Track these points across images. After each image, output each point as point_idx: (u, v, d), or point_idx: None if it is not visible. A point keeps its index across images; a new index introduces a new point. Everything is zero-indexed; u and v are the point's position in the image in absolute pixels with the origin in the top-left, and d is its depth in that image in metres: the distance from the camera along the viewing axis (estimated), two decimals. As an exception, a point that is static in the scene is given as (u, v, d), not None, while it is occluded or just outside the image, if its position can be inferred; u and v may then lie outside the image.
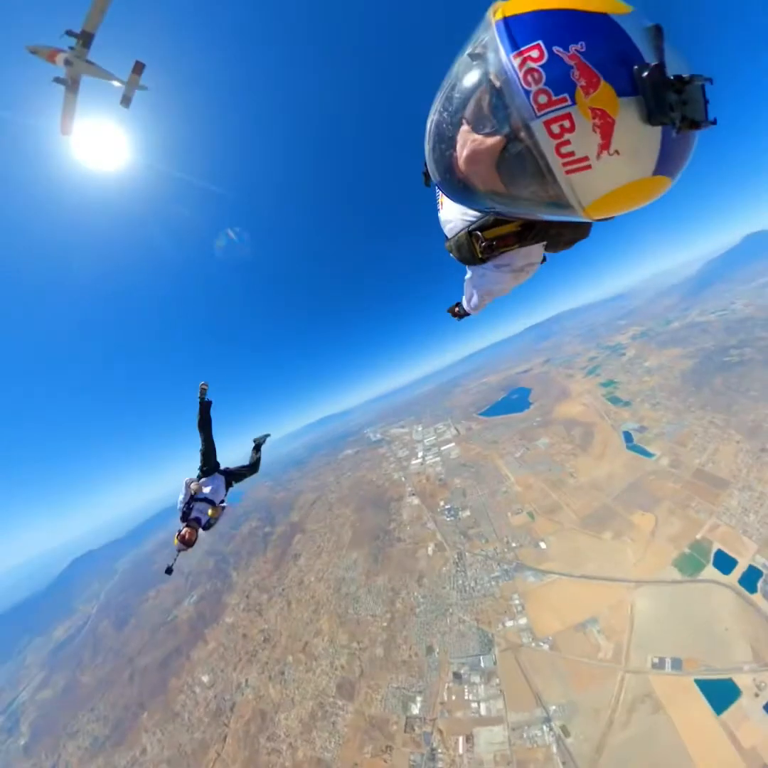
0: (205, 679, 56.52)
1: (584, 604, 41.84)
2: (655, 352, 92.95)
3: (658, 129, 1.01)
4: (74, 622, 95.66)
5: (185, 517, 5.98)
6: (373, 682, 45.40)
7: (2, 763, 55.60)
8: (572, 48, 0.98)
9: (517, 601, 47.29)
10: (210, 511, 6.11)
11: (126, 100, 18.75)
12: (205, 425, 6.79)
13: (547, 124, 1.02)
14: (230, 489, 7.03)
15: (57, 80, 16.59)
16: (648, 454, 60.46)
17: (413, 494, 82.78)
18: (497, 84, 1.08)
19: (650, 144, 1.03)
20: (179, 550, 5.68)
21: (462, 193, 1.43)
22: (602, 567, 44.89)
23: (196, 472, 6.72)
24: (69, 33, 15.40)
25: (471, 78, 1.17)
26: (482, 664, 42.43)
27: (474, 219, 1.96)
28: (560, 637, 40.34)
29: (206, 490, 6.41)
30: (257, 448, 8.12)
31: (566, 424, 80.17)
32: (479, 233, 1.91)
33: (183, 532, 5.75)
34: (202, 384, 6.82)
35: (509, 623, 45.27)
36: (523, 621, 44.64)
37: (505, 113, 1.09)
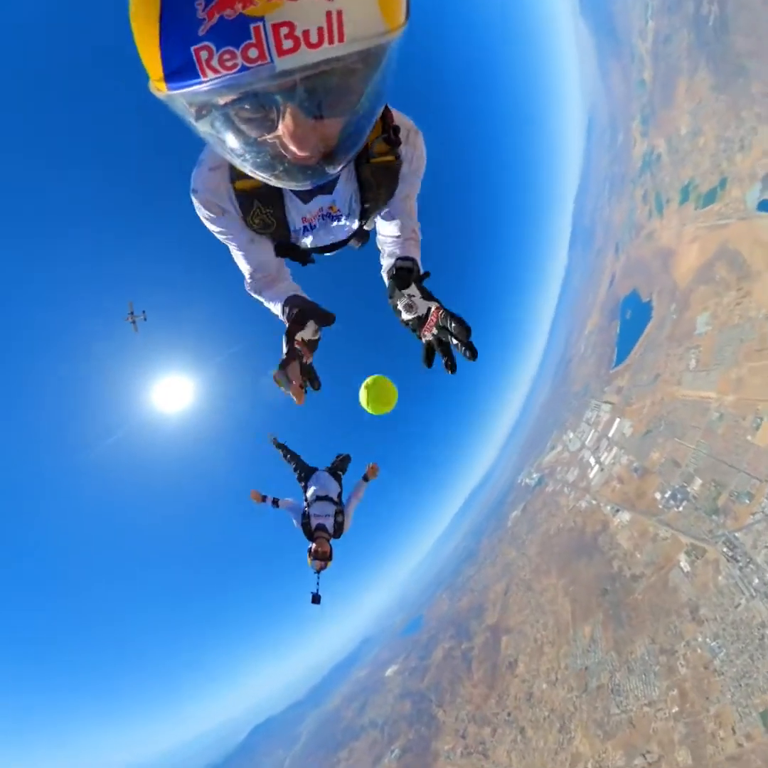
0: None
1: None
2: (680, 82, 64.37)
3: None
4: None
5: (308, 531, 5.00)
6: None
7: None
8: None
9: None
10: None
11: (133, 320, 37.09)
12: (288, 457, 6.17)
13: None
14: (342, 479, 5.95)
15: (130, 320, 34.54)
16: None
17: (617, 510, 59.39)
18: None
19: None
20: (318, 570, 4.81)
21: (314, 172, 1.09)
22: None
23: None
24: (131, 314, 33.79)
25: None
26: None
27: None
28: None
29: (311, 490, 5.44)
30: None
31: (702, 278, 53.75)
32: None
33: (313, 548, 4.87)
34: (270, 435, 6.50)
35: None
36: None
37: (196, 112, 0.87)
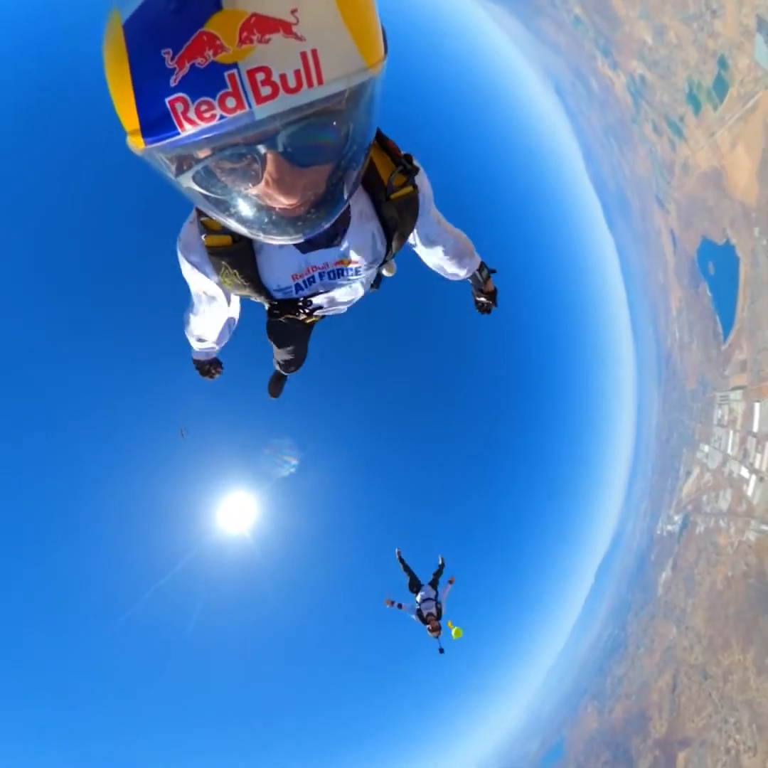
0: None
1: None
2: None
3: None
4: None
5: (422, 619, 8.36)
6: None
7: None
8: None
9: None
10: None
11: (182, 434, 38.43)
12: (410, 571, 9.63)
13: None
14: (440, 588, 9.30)
15: (181, 434, 36.30)
16: None
17: (797, 526, 40.51)
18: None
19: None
20: (436, 637, 8.11)
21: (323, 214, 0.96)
22: None
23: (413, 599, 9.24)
24: (181, 431, 35.78)
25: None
26: None
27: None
28: None
29: (420, 595, 8.95)
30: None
31: None
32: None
33: (429, 627, 8.12)
34: (397, 550, 9.72)
35: None
36: None
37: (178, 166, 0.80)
